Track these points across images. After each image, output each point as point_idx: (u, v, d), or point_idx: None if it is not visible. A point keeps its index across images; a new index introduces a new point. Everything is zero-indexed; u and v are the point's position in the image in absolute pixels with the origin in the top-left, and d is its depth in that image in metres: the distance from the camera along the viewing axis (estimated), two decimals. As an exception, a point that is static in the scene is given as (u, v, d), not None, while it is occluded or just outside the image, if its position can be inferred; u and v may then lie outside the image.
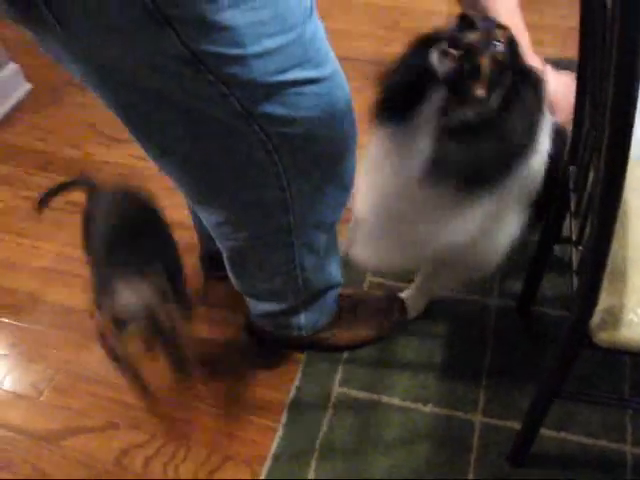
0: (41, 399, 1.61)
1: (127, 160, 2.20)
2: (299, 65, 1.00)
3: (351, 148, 1.21)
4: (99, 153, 2.25)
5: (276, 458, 1.47)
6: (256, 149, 1.09)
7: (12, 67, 2.48)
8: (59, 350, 1.71)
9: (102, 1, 0.85)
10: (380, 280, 1.79)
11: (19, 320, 1.78)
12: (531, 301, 1.66)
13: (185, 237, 1.90)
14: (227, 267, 1.46)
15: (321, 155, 1.16)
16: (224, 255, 1.42)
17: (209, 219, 1.31)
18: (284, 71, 0.98)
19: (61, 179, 2.11)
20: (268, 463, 1.46)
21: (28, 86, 2.55)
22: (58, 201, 2.03)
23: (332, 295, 1.55)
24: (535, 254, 1.54)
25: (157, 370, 1.49)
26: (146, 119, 1.09)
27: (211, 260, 1.79)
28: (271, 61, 0.96)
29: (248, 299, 1.56)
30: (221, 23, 0.88)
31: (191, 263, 1.85)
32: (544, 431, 1.46)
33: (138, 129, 1.13)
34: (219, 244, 1.39)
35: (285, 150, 1.10)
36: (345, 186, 1.28)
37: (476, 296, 1.74)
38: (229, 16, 0.88)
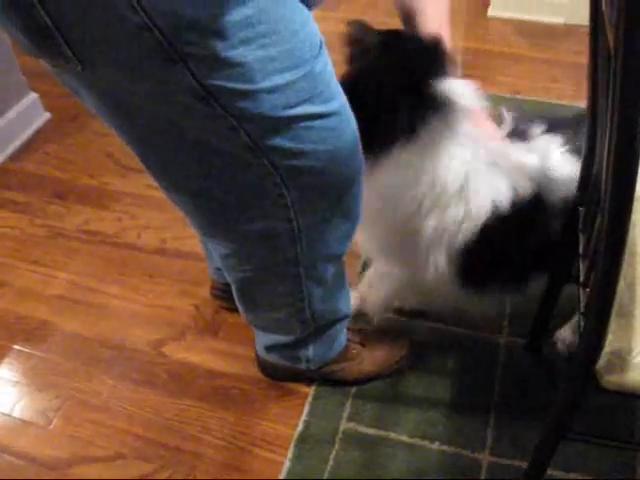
0: (50, 427, 1.62)
1: (142, 190, 2.22)
2: (308, 100, 1.01)
3: (358, 180, 1.21)
4: (115, 183, 2.28)
5: (284, 490, 1.47)
6: (264, 181, 1.10)
7: (32, 96, 2.52)
8: (69, 379, 1.71)
9: (118, 40, 0.87)
10: (390, 315, 1.79)
11: (31, 348, 1.79)
12: (540, 339, 1.65)
13: (197, 268, 1.93)
14: (235, 299, 1.47)
15: (328, 187, 1.17)
16: (232, 287, 1.43)
17: (217, 250, 1.32)
18: (293, 106, 1.00)
19: (77, 208, 2.15)
20: (275, 497, 1.46)
21: (47, 115, 2.59)
22: (73, 230, 2.06)
23: (340, 328, 1.55)
24: (545, 293, 1.54)
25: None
26: (158, 153, 1.11)
27: (223, 292, 1.80)
28: (280, 96, 0.97)
29: (256, 332, 1.56)
30: (232, 59, 0.90)
31: (203, 294, 1.86)
32: (552, 472, 1.45)
33: (150, 162, 1.15)
34: (227, 275, 1.40)
35: (293, 183, 1.11)
36: (352, 218, 1.28)
37: (486, 334, 1.74)
38: (240, 53, 0.90)
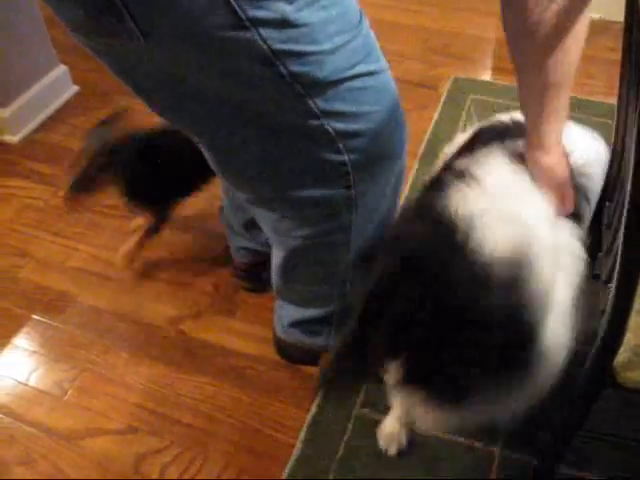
0: (64, 398, 1.63)
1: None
2: (362, 60, 1.06)
3: (405, 144, 1.24)
4: (140, 158, 2.27)
5: (292, 474, 1.47)
6: (326, 149, 1.11)
7: (61, 69, 2.52)
8: (86, 351, 1.72)
9: (188, 9, 0.89)
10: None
11: (50, 318, 1.80)
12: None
13: (219, 247, 1.93)
14: (276, 271, 1.46)
15: (383, 151, 1.19)
16: (277, 259, 1.42)
17: (270, 218, 1.31)
18: (352, 66, 1.04)
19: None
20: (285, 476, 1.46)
21: (75, 88, 2.59)
22: (96, 204, 2.07)
23: None
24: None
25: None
26: (217, 129, 1.12)
27: (244, 272, 1.80)
28: (341, 57, 1.02)
29: (283, 308, 1.56)
30: (299, 21, 0.94)
31: (223, 274, 1.87)
32: (563, 469, 1.44)
33: (206, 138, 1.16)
34: (276, 245, 1.39)
35: (353, 148, 1.13)
36: (399, 185, 1.31)
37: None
38: (305, 15, 0.94)
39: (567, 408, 1.20)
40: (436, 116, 2.39)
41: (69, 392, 1.64)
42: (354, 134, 1.11)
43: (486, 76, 2.60)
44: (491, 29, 2.78)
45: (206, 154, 1.22)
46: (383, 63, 1.11)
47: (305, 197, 1.21)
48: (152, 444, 1.54)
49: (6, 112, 2.34)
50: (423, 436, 1.51)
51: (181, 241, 2.00)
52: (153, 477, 1.48)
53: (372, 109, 1.11)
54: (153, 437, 1.55)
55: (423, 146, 2.27)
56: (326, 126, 1.08)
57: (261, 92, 1.02)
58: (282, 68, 0.98)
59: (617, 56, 1.24)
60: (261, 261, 1.75)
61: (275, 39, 0.94)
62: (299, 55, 0.97)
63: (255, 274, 1.79)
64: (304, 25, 0.95)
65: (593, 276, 1.41)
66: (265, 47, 0.94)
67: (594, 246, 1.32)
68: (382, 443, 1.50)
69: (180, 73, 1.02)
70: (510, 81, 2.41)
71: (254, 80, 1.00)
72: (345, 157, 1.13)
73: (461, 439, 1.51)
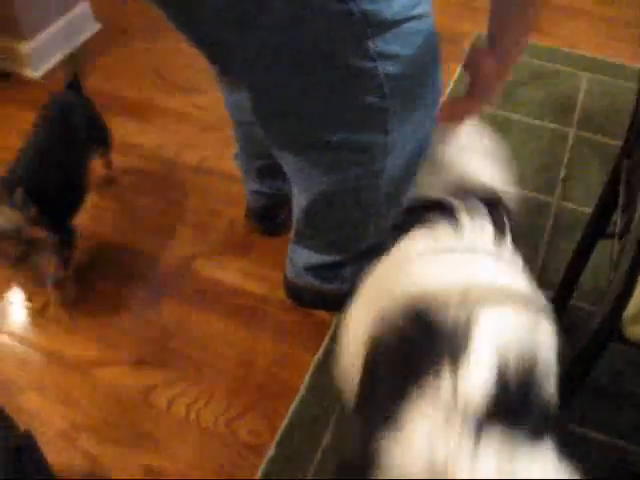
0: (77, 328, 1.66)
1: (186, 108, 2.23)
2: (419, 2, 1.06)
3: (440, 95, 1.24)
4: (160, 98, 2.28)
5: (296, 414, 1.50)
6: (371, 93, 1.11)
7: (83, 6, 2.52)
8: (99, 282, 1.75)
9: None
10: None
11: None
12: (569, 295, 1.65)
13: (233, 189, 1.94)
14: (298, 216, 1.46)
15: (423, 97, 1.19)
16: (301, 204, 1.41)
17: (299, 163, 1.31)
18: (413, 7, 1.04)
19: (119, 119, 2.16)
20: (287, 418, 1.49)
21: (98, 26, 2.59)
22: (116, 141, 2.07)
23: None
24: (577, 248, 1.53)
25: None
26: (270, 63, 1.11)
27: (257, 216, 1.81)
28: None
29: (298, 252, 1.57)
30: None
31: (237, 215, 1.88)
32: (570, 426, 1.47)
33: (257, 74, 1.15)
34: (301, 191, 1.39)
35: (396, 92, 1.12)
36: (430, 131, 1.30)
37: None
38: None
39: (571, 361, 1.22)
40: (458, 71, 2.38)
41: (81, 323, 1.67)
42: (401, 78, 1.11)
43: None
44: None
45: (249, 95, 1.20)
46: (428, 6, 1.11)
47: (341, 141, 1.21)
48: (161, 377, 1.57)
49: (28, 47, 2.35)
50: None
51: (196, 182, 2.01)
52: (161, 408, 1.51)
53: (421, 53, 1.11)
54: (162, 370, 1.58)
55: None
56: (378, 69, 1.07)
57: (325, 29, 1.02)
58: (353, 5, 0.98)
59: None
60: (275, 205, 1.77)
61: None
62: None
63: (269, 218, 1.81)
64: None
65: (605, 235, 1.43)
66: None
67: (608, 204, 1.33)
68: None
69: (250, 9, 1.01)
70: (536, 40, 2.40)
71: (322, 16, 1.00)
72: (387, 102, 1.13)
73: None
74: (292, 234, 1.55)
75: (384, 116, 1.15)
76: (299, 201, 1.42)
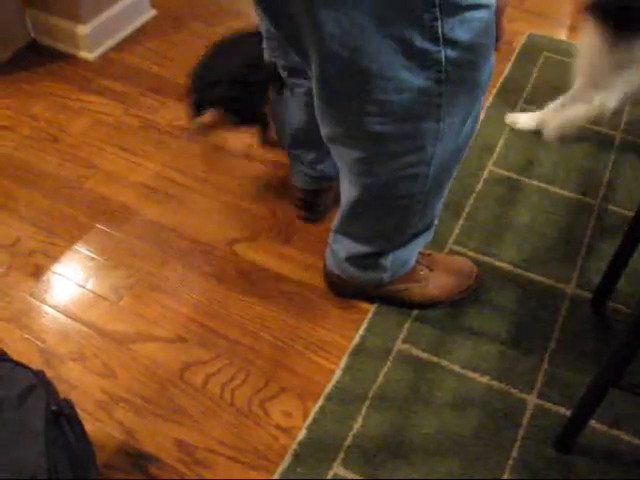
0: (120, 303, 1.69)
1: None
2: None
3: (490, 83, 1.24)
4: (210, 85, 2.31)
5: (328, 398, 1.51)
6: (431, 79, 1.12)
7: (140, -9, 2.57)
8: (143, 261, 1.78)
9: None
10: (460, 249, 1.80)
11: (111, 228, 1.87)
12: (607, 295, 1.64)
13: (279, 177, 1.97)
14: (346, 206, 1.47)
15: (475, 85, 1.20)
16: (350, 194, 1.42)
17: (352, 154, 1.31)
18: None
19: (170, 102, 2.20)
20: (320, 402, 1.51)
21: (153, 12, 2.63)
22: (164, 123, 2.12)
23: (422, 241, 1.57)
24: (617, 250, 1.52)
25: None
26: (351, 51, 1.10)
27: (303, 202, 1.83)
28: None
29: (339, 242, 1.58)
30: None
31: (281, 202, 1.91)
32: (597, 425, 1.47)
33: (324, 57, 1.14)
34: (351, 181, 1.39)
35: (453, 79, 1.13)
36: (477, 119, 1.32)
37: (553, 280, 1.73)
38: None
39: (608, 357, 1.21)
40: (507, 70, 2.37)
41: (124, 298, 1.71)
42: (460, 65, 1.11)
43: (561, 35, 2.56)
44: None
45: (316, 78, 1.20)
46: None
47: (395, 131, 1.21)
48: (198, 355, 1.60)
49: (85, 29, 2.40)
50: (457, 379, 1.54)
51: (242, 168, 2.03)
52: (196, 385, 1.54)
53: (481, 41, 1.11)
54: (200, 348, 1.61)
55: (491, 98, 2.27)
56: (441, 53, 1.08)
57: (403, 8, 1.03)
58: None
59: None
60: (319, 190, 1.78)
61: None
62: None
63: (313, 204, 1.82)
64: None
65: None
66: None
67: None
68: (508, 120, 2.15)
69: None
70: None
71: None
72: (443, 89, 1.14)
73: (497, 383, 1.53)
74: (335, 224, 1.57)
75: (439, 102, 1.16)
76: (348, 192, 1.43)
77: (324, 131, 1.32)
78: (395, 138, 1.23)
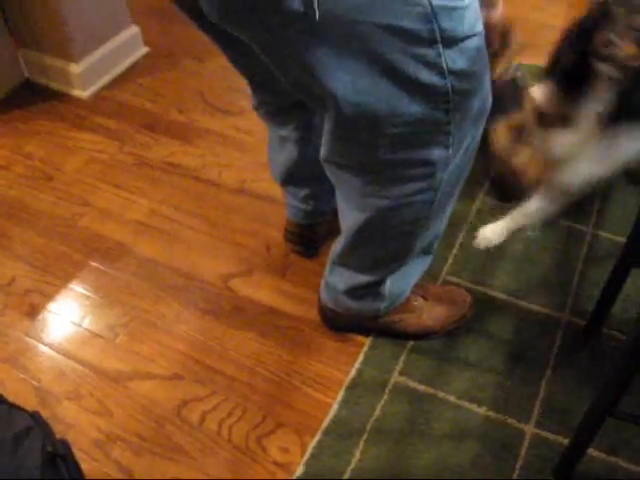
0: (116, 341, 1.70)
1: (228, 131, 2.28)
2: (478, 19, 1.10)
3: (489, 106, 1.26)
4: (203, 120, 2.33)
5: (326, 433, 1.51)
6: (438, 109, 1.14)
7: (133, 29, 2.59)
8: (138, 299, 1.79)
9: None
10: (454, 279, 1.80)
11: (105, 266, 1.87)
12: (601, 322, 1.64)
13: (272, 211, 1.98)
14: (348, 235, 1.45)
15: (480, 112, 1.22)
16: (354, 222, 1.41)
17: (357, 181, 1.31)
18: (476, 23, 1.09)
19: (163, 139, 2.22)
20: (317, 437, 1.50)
21: (145, 49, 2.66)
22: (158, 160, 2.13)
23: (420, 268, 1.59)
24: (610, 276, 1.53)
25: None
26: (362, 92, 1.11)
27: (296, 235, 1.84)
28: (472, 13, 1.06)
29: (338, 274, 1.58)
30: None
31: (275, 236, 1.92)
32: (595, 453, 1.46)
33: (349, 101, 1.14)
34: (360, 209, 1.38)
35: (459, 107, 1.15)
36: (476, 143, 1.33)
37: (548, 309, 1.74)
38: None
39: (604, 386, 1.22)
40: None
41: (120, 336, 1.71)
42: (463, 92, 1.13)
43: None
44: (557, 16, 2.76)
45: (329, 116, 1.20)
46: (481, 24, 1.14)
47: (406, 158, 1.22)
48: (195, 391, 1.59)
49: (78, 68, 2.42)
50: (454, 410, 1.54)
51: (236, 203, 2.04)
52: (193, 422, 1.54)
53: (479, 68, 1.14)
54: (196, 385, 1.61)
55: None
56: (448, 84, 1.10)
57: (408, 50, 1.04)
58: (435, 24, 1.02)
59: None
60: (314, 224, 1.79)
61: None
62: (450, 10, 1.02)
63: (306, 238, 1.83)
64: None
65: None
66: (427, 3, 0.99)
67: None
68: (479, 240, 1.90)
69: (342, 40, 1.03)
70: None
71: (407, 38, 1.03)
72: (451, 116, 1.15)
73: (494, 413, 1.53)
74: (334, 256, 1.56)
75: (447, 130, 1.18)
76: (350, 221, 1.43)
77: (331, 159, 1.31)
78: (405, 165, 1.24)
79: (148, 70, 2.58)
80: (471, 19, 1.06)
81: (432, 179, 1.26)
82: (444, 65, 1.07)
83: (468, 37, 1.07)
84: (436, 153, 1.21)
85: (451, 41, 1.05)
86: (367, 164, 1.27)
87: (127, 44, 2.59)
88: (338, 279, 1.60)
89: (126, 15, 2.55)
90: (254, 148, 2.20)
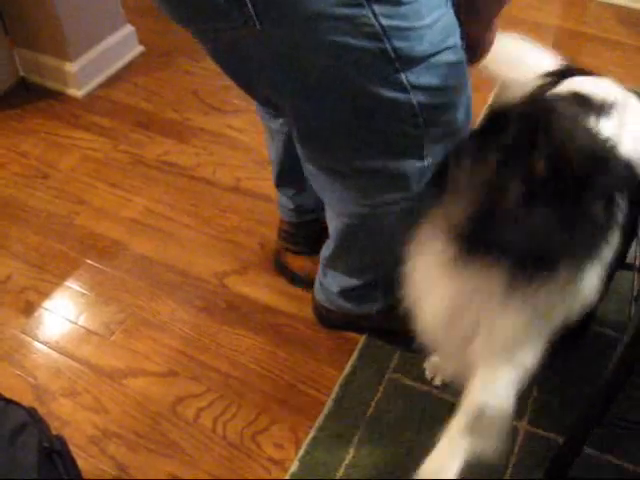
0: (111, 339, 1.70)
1: (222, 129, 2.29)
2: (450, 34, 1.10)
3: (470, 118, 1.27)
4: (197, 119, 2.34)
5: (321, 430, 1.52)
6: (407, 122, 1.15)
7: (128, 29, 2.59)
8: (134, 297, 1.80)
9: None
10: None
11: (101, 264, 1.88)
12: (588, 322, 1.65)
13: (267, 209, 1.99)
14: (334, 241, 1.48)
15: (456, 123, 1.22)
16: (337, 228, 1.43)
17: (337, 187, 1.33)
18: (443, 40, 1.08)
19: (158, 138, 2.23)
20: (312, 433, 1.51)
21: (140, 48, 2.66)
22: (153, 159, 2.14)
23: None
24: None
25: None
26: (309, 96, 1.15)
27: (290, 235, 1.84)
28: (435, 31, 1.06)
29: (330, 277, 1.59)
30: None
31: (269, 235, 1.92)
32: (588, 450, 1.46)
33: (307, 111, 1.19)
34: (337, 216, 1.41)
35: (430, 121, 1.16)
36: None
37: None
38: None
39: (596, 389, 1.23)
40: (490, 99, 2.41)
41: (115, 334, 1.72)
42: (435, 107, 1.15)
43: (546, 64, 2.60)
44: (552, 16, 2.78)
45: (290, 121, 1.25)
46: (458, 37, 1.14)
47: (379, 167, 1.23)
48: (190, 389, 1.60)
49: (73, 67, 2.42)
50: (448, 407, 1.55)
51: (230, 201, 2.05)
52: (188, 419, 1.55)
53: (453, 83, 1.14)
54: (191, 382, 1.62)
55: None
56: (412, 100, 1.11)
57: (360, 66, 1.06)
58: (387, 44, 1.02)
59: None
60: (303, 222, 1.80)
61: (386, 15, 1.00)
62: (404, 30, 1.02)
63: (297, 236, 1.84)
64: (414, 1, 1.00)
65: (625, 266, 1.44)
66: (376, 24, 1.00)
67: (629, 234, 1.34)
68: (428, 373, 1.59)
69: (289, 53, 1.06)
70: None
71: (356, 55, 1.04)
72: (422, 130, 1.16)
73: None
74: (325, 258, 1.57)
75: (420, 143, 1.19)
76: (334, 225, 1.45)
77: (306, 160, 1.34)
78: (378, 175, 1.25)
79: (143, 69, 2.59)
80: (435, 37, 1.06)
81: (407, 190, 1.27)
82: (404, 81, 1.08)
83: (434, 54, 1.08)
84: (410, 164, 1.22)
85: (410, 59, 1.06)
86: (340, 170, 1.28)
87: (122, 43, 2.59)
88: (330, 281, 1.61)
89: (121, 14, 2.55)
90: (248, 147, 2.21)
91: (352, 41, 1.02)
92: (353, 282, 1.56)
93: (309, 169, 1.34)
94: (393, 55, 1.04)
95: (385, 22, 1.00)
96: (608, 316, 1.68)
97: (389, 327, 1.66)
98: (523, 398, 1.55)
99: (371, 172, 1.25)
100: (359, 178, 1.28)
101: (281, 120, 1.58)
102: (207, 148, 2.23)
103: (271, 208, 1.93)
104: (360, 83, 1.08)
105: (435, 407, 1.56)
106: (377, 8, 0.99)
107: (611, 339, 1.67)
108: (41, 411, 1.26)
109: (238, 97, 2.39)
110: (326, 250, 1.55)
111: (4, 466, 1.13)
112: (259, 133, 1.69)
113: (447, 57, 1.10)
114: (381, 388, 1.59)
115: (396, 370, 1.62)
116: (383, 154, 1.21)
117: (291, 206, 1.77)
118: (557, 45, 2.64)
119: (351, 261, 1.54)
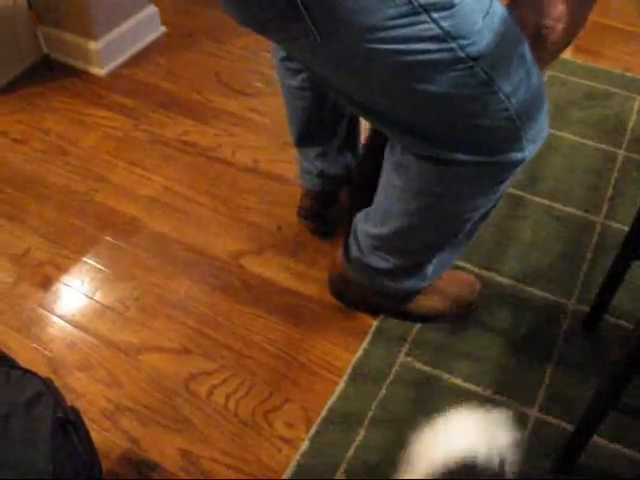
0: (126, 315, 1.72)
1: (243, 111, 2.29)
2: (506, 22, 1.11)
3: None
4: (219, 101, 2.35)
5: (332, 411, 1.53)
6: (496, 112, 1.16)
7: (151, 9, 2.60)
8: (150, 274, 1.81)
9: (364, 6, 1.00)
10: (463, 263, 1.81)
11: (119, 241, 1.89)
12: (601, 312, 1.65)
13: (285, 191, 1.99)
14: (400, 220, 1.43)
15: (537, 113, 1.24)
16: (412, 207, 1.40)
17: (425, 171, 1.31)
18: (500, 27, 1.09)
19: (179, 118, 2.24)
20: (323, 414, 1.52)
21: (163, 29, 2.67)
22: (173, 138, 2.15)
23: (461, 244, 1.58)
24: (611, 267, 1.54)
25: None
26: (383, 96, 1.18)
27: (310, 212, 1.85)
28: (491, 22, 1.08)
29: (381, 257, 1.55)
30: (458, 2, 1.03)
31: (287, 216, 1.94)
32: (597, 439, 1.47)
33: (374, 104, 1.22)
34: (417, 193, 1.37)
35: (521, 109, 1.17)
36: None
37: (555, 296, 1.74)
38: None
39: (606, 379, 1.23)
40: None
41: (131, 310, 1.73)
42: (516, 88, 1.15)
43: (566, 54, 2.58)
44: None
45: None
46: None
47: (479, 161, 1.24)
48: (203, 366, 1.62)
49: (97, 45, 2.43)
50: (459, 391, 1.56)
51: (249, 182, 2.06)
52: (201, 395, 1.56)
53: (504, 38, 1.13)
54: (205, 360, 1.63)
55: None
56: (498, 92, 1.13)
57: (428, 65, 1.08)
58: (454, 44, 1.05)
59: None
60: (325, 194, 1.80)
61: (445, 19, 1.02)
62: (464, 27, 1.04)
63: (319, 215, 1.84)
64: (465, 4, 1.03)
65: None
66: (436, 27, 1.02)
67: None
68: None
69: (355, 63, 1.10)
70: (589, 61, 2.41)
71: (428, 58, 1.06)
72: (515, 122, 1.17)
73: (499, 397, 1.55)
74: (373, 237, 1.52)
75: (519, 135, 1.20)
76: (402, 205, 1.41)
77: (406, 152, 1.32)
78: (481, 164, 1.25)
79: (165, 50, 2.60)
80: (492, 26, 1.07)
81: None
82: (481, 74, 1.09)
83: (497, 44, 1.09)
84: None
85: (480, 55, 1.07)
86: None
87: (146, 23, 2.60)
88: (378, 260, 1.55)
89: (144, -5, 2.56)
90: (269, 129, 2.21)
91: (419, 45, 1.04)
92: (411, 261, 1.54)
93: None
94: (462, 54, 1.06)
95: (445, 26, 1.03)
96: (621, 306, 1.68)
97: (404, 310, 1.66)
98: (534, 384, 1.57)
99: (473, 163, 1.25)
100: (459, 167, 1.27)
101: (303, 75, 1.58)
102: (227, 130, 2.23)
103: (290, 190, 1.94)
104: (438, 86, 1.10)
105: (445, 391, 1.56)
106: (435, 14, 1.01)
107: (624, 329, 1.66)
108: (56, 383, 1.27)
109: (260, 80, 2.40)
110: (378, 228, 1.49)
111: (20, 433, 1.14)
112: (280, 116, 1.69)
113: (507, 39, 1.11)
114: (393, 371, 1.60)
115: (408, 354, 1.63)
116: (472, 147, 1.22)
117: (315, 171, 1.77)
118: (580, 37, 2.61)
119: (388, 242, 1.51)
